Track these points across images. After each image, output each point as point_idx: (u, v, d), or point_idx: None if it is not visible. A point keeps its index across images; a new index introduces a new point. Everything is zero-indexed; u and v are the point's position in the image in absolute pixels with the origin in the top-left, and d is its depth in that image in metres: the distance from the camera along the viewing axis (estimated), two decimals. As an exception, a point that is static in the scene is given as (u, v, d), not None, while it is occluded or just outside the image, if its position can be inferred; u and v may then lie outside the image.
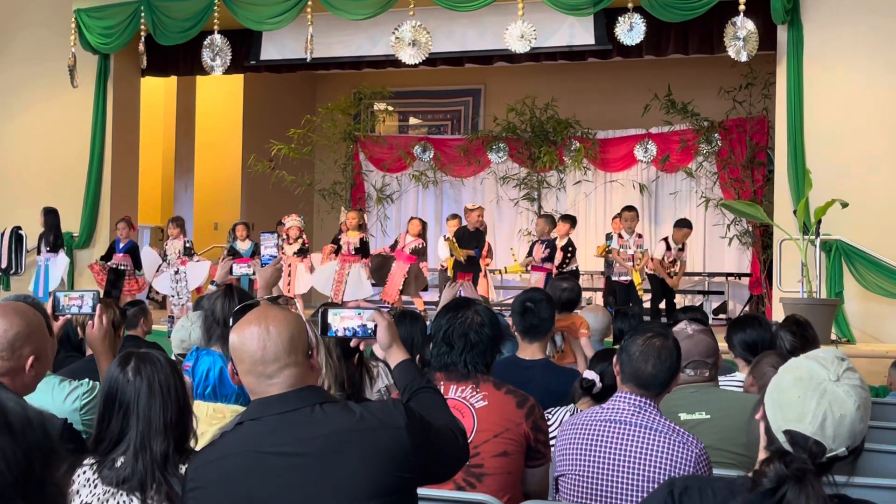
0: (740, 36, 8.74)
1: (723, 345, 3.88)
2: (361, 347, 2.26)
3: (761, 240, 11.12)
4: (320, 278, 10.39)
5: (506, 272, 10.80)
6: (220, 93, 13.90)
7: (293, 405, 1.91)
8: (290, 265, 10.14)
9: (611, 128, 13.00)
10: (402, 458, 1.88)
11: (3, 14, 12.10)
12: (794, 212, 8.73)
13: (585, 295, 12.30)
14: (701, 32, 9.94)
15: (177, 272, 10.42)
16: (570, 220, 10.55)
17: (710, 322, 7.02)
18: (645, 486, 2.57)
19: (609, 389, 3.37)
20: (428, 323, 3.83)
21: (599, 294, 11.93)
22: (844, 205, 8.10)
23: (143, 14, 10.68)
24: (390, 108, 14.62)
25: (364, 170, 13.95)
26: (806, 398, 1.66)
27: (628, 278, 9.79)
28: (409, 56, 9.73)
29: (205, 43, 10.38)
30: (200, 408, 3.47)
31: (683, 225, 10.10)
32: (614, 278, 9.98)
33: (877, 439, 3.82)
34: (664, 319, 8.85)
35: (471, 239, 10.24)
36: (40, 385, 2.93)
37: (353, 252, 10.30)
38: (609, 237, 10.32)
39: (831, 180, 8.67)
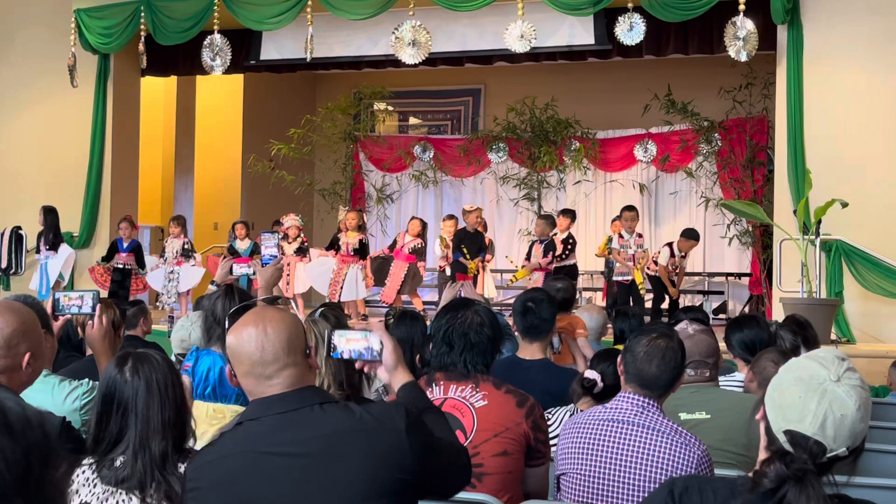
0: (740, 36, 8.74)
1: (721, 345, 3.88)
2: (366, 370, 2.21)
3: (761, 240, 11.13)
4: (317, 274, 10.39)
5: (514, 281, 10.77)
6: (220, 93, 13.89)
7: (293, 405, 1.91)
8: (289, 265, 10.14)
9: (611, 128, 13.00)
10: (402, 460, 1.88)
11: (2, 14, 12.10)
12: (794, 212, 8.72)
13: (586, 295, 12.33)
14: (701, 32, 9.94)
15: (171, 272, 10.44)
16: (570, 215, 10.57)
17: (711, 322, 7.02)
18: (646, 487, 2.57)
19: (609, 389, 3.37)
20: (428, 323, 3.83)
21: (599, 294, 11.95)
22: (844, 205, 8.10)
23: (143, 14, 10.68)
24: (390, 108, 14.62)
25: (364, 170, 13.96)
26: (806, 398, 1.66)
27: (629, 278, 9.79)
28: (409, 56, 9.73)
29: (205, 43, 10.37)
30: (200, 408, 3.47)
31: (692, 237, 10.10)
32: (616, 279, 9.98)
33: (877, 439, 3.83)
34: (665, 319, 8.85)
35: (471, 241, 10.21)
36: (40, 385, 2.94)
37: (352, 253, 10.30)
38: (610, 240, 10.33)
39: (831, 180, 8.67)
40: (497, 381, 2.89)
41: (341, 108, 13.22)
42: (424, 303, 10.87)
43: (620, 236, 9.99)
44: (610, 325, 6.22)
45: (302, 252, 10.39)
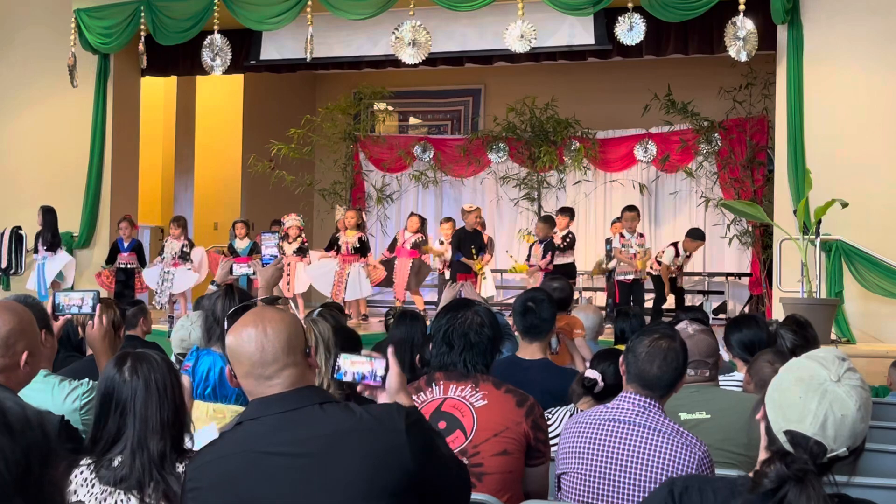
0: (740, 36, 8.74)
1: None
2: (367, 394, 2.20)
3: (761, 240, 11.13)
4: (317, 274, 10.39)
5: (513, 271, 10.82)
6: (220, 93, 13.89)
7: (293, 405, 1.91)
8: (289, 265, 10.14)
9: (611, 128, 13.00)
10: (402, 460, 1.87)
11: (2, 14, 12.09)
12: (794, 212, 8.72)
13: (586, 295, 12.34)
14: (701, 32, 9.93)
15: (167, 272, 10.44)
16: (569, 213, 10.60)
17: (710, 322, 7.02)
18: (646, 487, 2.57)
19: (610, 389, 3.37)
20: (428, 323, 3.83)
21: (599, 294, 11.96)
22: (844, 205, 8.10)
23: (142, 14, 10.67)
24: (390, 108, 14.62)
25: (364, 170, 13.96)
26: (807, 399, 1.66)
27: (630, 277, 9.81)
28: (409, 56, 9.73)
29: (205, 43, 10.37)
30: (200, 408, 3.47)
31: (699, 237, 10.10)
32: (617, 278, 9.99)
33: (877, 439, 3.83)
34: (665, 319, 8.85)
35: (471, 241, 10.22)
36: (41, 385, 2.94)
37: (353, 252, 10.30)
38: (609, 242, 10.35)
39: (831, 180, 8.67)
40: (497, 381, 2.89)
41: (341, 108, 13.21)
42: (425, 303, 10.88)
43: (622, 236, 10.00)
44: (608, 325, 6.24)
45: (302, 252, 10.40)
